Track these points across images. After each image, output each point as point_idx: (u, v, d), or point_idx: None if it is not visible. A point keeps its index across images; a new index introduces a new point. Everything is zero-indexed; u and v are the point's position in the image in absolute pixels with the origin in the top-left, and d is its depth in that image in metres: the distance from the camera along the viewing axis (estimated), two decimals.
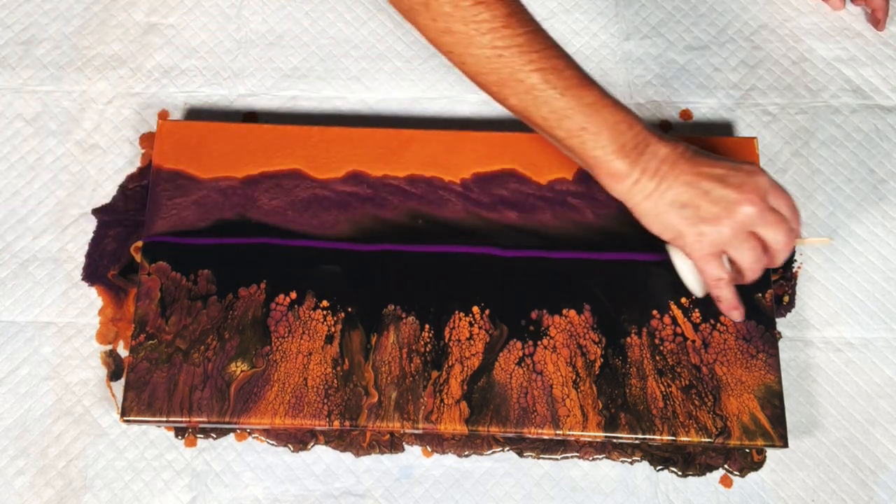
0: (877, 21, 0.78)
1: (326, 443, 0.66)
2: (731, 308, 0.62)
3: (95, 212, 0.72)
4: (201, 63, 0.77)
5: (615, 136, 0.57)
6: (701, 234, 0.58)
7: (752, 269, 0.59)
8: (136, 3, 0.79)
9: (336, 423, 0.63)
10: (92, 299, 0.70)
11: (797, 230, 0.59)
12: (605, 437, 0.63)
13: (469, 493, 0.65)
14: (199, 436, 0.66)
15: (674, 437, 0.63)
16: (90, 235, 0.71)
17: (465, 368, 0.64)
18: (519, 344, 0.65)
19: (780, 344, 0.69)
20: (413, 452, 0.67)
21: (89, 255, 0.71)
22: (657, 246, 0.67)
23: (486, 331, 0.65)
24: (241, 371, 0.64)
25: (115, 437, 0.66)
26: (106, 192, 0.73)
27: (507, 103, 0.59)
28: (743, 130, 0.75)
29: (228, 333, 0.65)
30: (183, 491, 0.65)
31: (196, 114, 0.75)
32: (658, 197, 0.58)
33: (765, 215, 0.57)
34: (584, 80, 0.58)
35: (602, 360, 0.65)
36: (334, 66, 0.77)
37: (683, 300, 0.66)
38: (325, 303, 0.66)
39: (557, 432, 0.63)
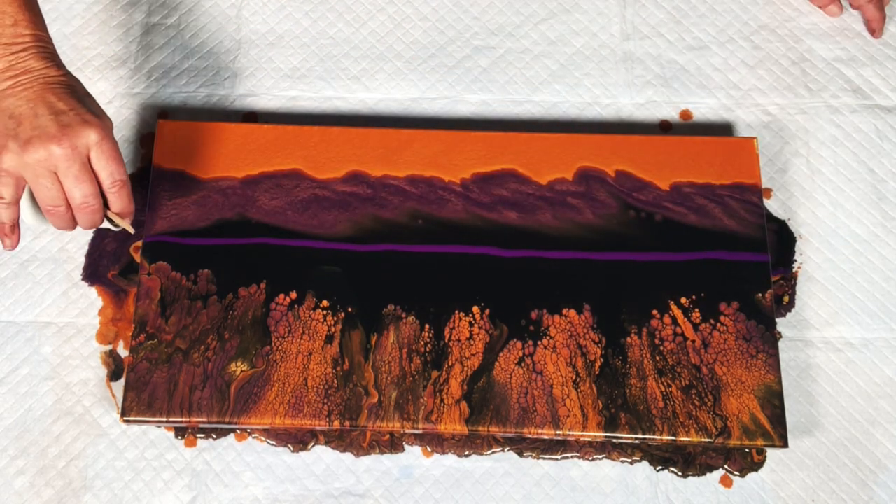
0: (872, 31, 0.78)
1: (326, 443, 0.66)
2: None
3: None
4: (201, 63, 0.77)
5: None
6: (5, 148, 0.57)
7: (45, 208, 0.59)
8: (136, 3, 0.79)
9: (336, 423, 0.63)
10: (92, 299, 0.70)
11: (96, 203, 0.59)
12: (605, 437, 0.63)
13: (469, 493, 0.65)
14: (199, 436, 0.66)
15: (674, 437, 0.63)
16: (90, 235, 0.71)
17: (465, 368, 0.64)
18: (519, 344, 0.65)
19: (780, 344, 0.69)
20: (413, 452, 0.67)
21: (89, 255, 0.71)
22: (657, 246, 0.67)
23: (486, 331, 0.65)
24: (241, 371, 0.64)
25: (115, 437, 0.66)
26: None
27: None
28: (743, 130, 0.75)
29: (228, 333, 0.65)
30: (183, 491, 0.65)
31: (196, 114, 0.75)
32: None
33: (71, 165, 0.57)
34: None
35: (602, 360, 0.65)
36: (334, 66, 0.77)
37: (683, 300, 0.66)
38: (325, 303, 0.66)
39: (557, 432, 0.63)
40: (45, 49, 0.60)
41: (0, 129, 0.57)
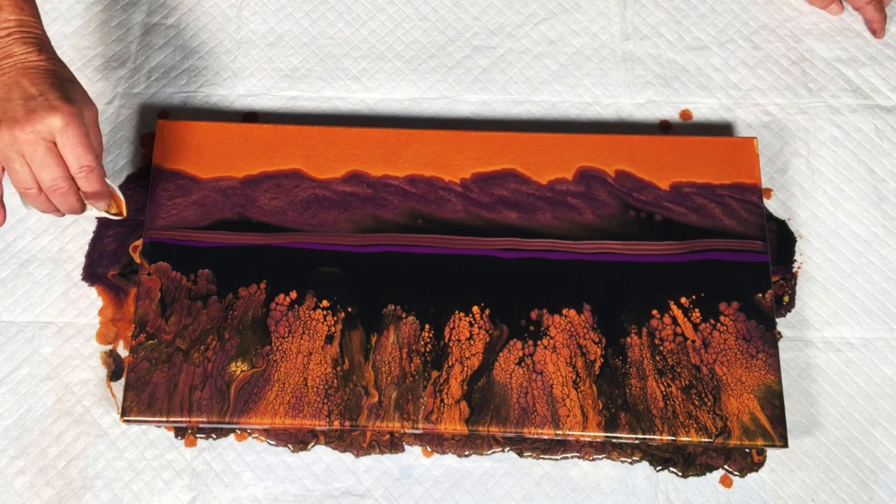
0: (873, 31, 0.78)
1: (326, 443, 0.66)
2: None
3: None
4: (201, 63, 0.77)
5: None
6: None
7: (19, 191, 0.59)
8: (136, 3, 0.79)
9: (336, 423, 0.63)
10: (92, 299, 0.70)
11: (66, 186, 0.59)
12: (605, 437, 0.63)
13: (469, 493, 0.65)
14: (199, 436, 0.66)
15: (674, 437, 0.63)
16: (90, 235, 0.71)
17: (465, 368, 0.64)
18: (519, 344, 0.65)
19: (780, 344, 0.69)
20: (413, 452, 0.67)
21: (89, 255, 0.71)
22: (657, 246, 0.67)
23: (486, 331, 0.65)
24: (241, 371, 0.64)
25: (115, 437, 0.66)
26: None
27: None
28: (743, 130, 0.75)
29: (228, 333, 0.65)
30: (183, 491, 0.65)
31: (196, 114, 0.75)
32: None
33: (35, 150, 0.57)
34: None
35: (602, 360, 0.65)
36: (334, 66, 0.77)
37: (683, 300, 0.66)
38: (325, 303, 0.66)
39: (557, 432, 0.63)
40: (30, 34, 0.60)
41: None
